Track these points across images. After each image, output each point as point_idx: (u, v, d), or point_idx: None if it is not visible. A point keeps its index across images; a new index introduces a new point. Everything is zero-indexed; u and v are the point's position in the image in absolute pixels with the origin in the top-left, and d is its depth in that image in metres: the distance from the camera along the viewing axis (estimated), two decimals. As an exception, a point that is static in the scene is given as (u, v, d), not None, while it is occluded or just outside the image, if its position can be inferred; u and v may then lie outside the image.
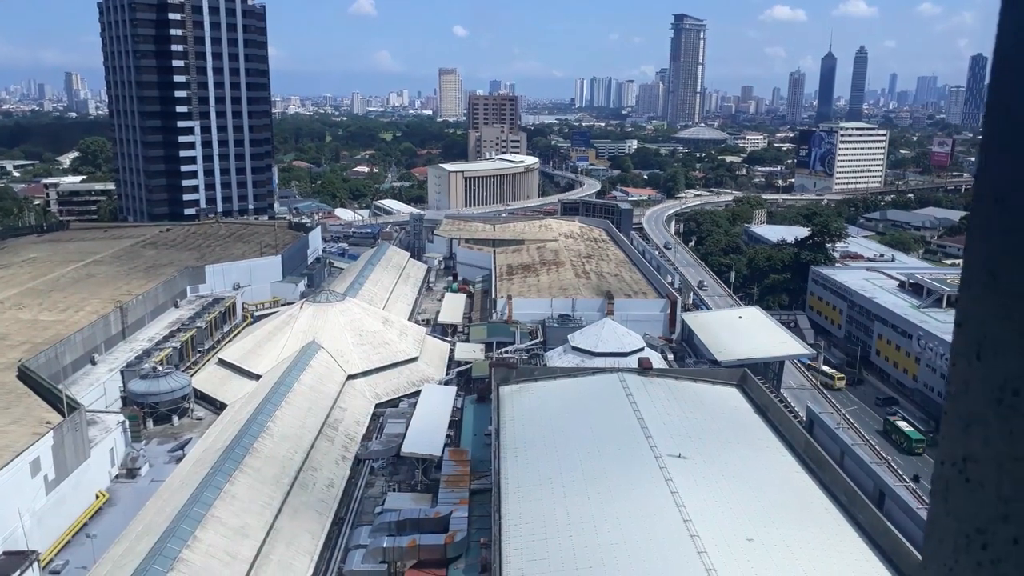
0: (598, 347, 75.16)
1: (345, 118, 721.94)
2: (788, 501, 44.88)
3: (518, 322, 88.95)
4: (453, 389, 70.35)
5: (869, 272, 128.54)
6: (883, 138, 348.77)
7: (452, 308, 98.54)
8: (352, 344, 75.53)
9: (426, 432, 58.57)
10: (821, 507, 44.31)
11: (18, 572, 40.53)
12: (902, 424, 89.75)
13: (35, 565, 42.35)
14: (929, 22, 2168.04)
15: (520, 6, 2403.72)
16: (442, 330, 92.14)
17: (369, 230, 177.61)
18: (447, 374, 77.67)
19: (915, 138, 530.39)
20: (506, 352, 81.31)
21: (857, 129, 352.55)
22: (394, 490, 54.27)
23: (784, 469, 48.98)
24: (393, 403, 70.00)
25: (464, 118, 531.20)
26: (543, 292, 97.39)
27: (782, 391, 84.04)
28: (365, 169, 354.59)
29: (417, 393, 68.59)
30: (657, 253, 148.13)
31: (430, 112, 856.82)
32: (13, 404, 55.02)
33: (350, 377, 71.24)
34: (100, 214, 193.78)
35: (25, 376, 58.59)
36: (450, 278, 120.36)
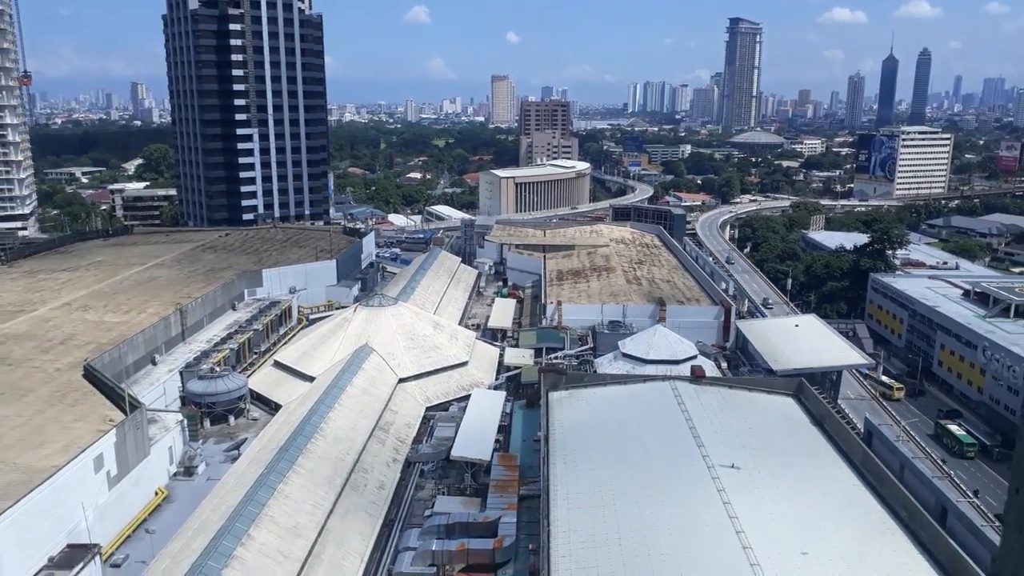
0: (649, 354, 74.35)
1: (399, 125, 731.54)
2: (845, 515, 43.65)
3: (568, 328, 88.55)
4: (502, 394, 70.35)
5: (932, 280, 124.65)
6: (947, 142, 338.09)
7: (502, 313, 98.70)
8: (403, 348, 76.20)
9: (475, 436, 58.68)
10: (880, 522, 42.97)
11: (81, 564, 41.83)
12: (954, 428, 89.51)
13: (97, 558, 43.66)
14: (997, 21, 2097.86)
15: (573, 12, 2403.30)
16: (492, 335, 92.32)
17: (421, 235, 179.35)
18: (496, 379, 77.72)
19: (981, 142, 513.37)
20: (556, 358, 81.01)
21: (919, 133, 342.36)
22: (443, 493, 54.49)
23: (841, 482, 47.66)
24: (443, 407, 70.35)
25: (516, 124, 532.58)
26: (593, 298, 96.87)
27: (839, 401, 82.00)
28: (418, 175, 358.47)
29: (467, 397, 68.77)
30: (711, 259, 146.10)
31: (482, 119, 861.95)
32: (79, 402, 56.90)
33: (401, 380, 71.86)
34: (162, 219, 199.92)
35: (90, 375, 60.58)
36: (500, 283, 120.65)
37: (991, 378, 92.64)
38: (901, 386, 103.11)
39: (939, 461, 72.98)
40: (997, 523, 43.48)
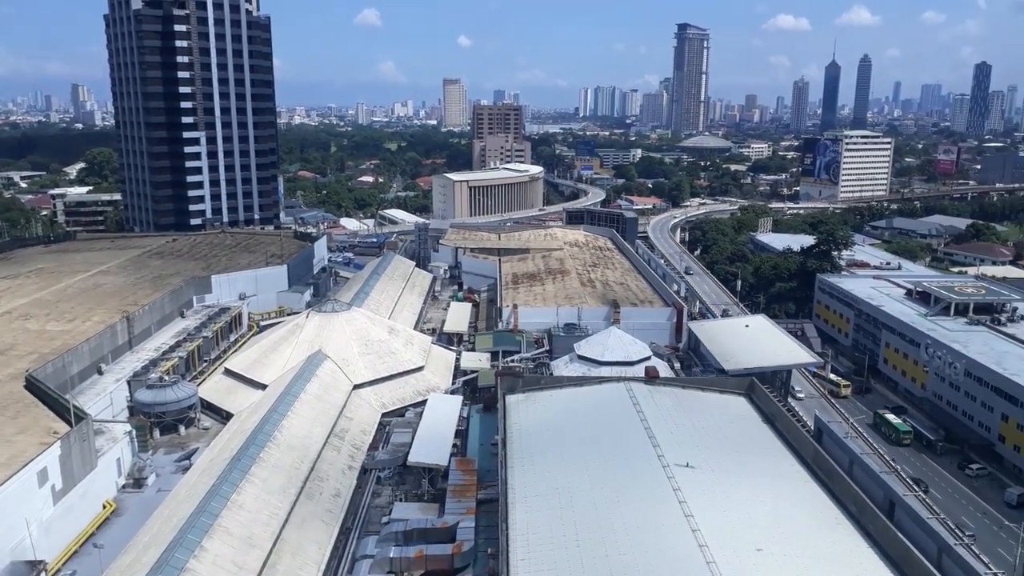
0: (604, 356, 74.97)
1: (350, 128, 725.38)
2: (797, 511, 44.61)
3: (524, 331, 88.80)
4: (459, 398, 70.23)
5: (876, 280, 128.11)
6: (888, 146, 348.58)
7: (458, 317, 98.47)
8: (358, 353, 75.47)
9: (432, 442, 58.47)
10: (831, 517, 44.00)
11: (25, 583, 40.54)
12: (891, 417, 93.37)
13: (42, 575, 42.31)
14: (933, 30, 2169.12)
15: (524, 16, 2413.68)
16: (448, 339, 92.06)
17: (374, 239, 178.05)
18: (453, 383, 77.54)
19: (920, 146, 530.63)
20: (512, 361, 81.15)
21: (862, 137, 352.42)
22: (401, 500, 54.15)
23: (793, 479, 48.69)
24: (399, 412, 69.88)
25: (468, 128, 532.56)
26: (549, 301, 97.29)
27: (789, 400, 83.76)
28: (370, 179, 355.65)
29: (423, 402, 68.47)
30: (663, 262, 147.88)
31: (434, 122, 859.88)
32: (21, 414, 55.07)
33: (356, 386, 71.17)
34: (107, 224, 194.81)
35: (32, 386, 58.70)
36: (456, 287, 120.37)
37: (934, 375, 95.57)
38: (848, 383, 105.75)
39: (886, 456, 74.94)
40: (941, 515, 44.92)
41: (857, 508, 43.77)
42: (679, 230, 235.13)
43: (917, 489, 60.25)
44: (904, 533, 40.76)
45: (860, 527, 42.55)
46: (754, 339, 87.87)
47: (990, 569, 40.91)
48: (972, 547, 43.38)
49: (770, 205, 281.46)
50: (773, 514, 43.24)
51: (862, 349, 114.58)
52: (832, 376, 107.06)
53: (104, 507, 52.66)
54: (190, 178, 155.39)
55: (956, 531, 49.87)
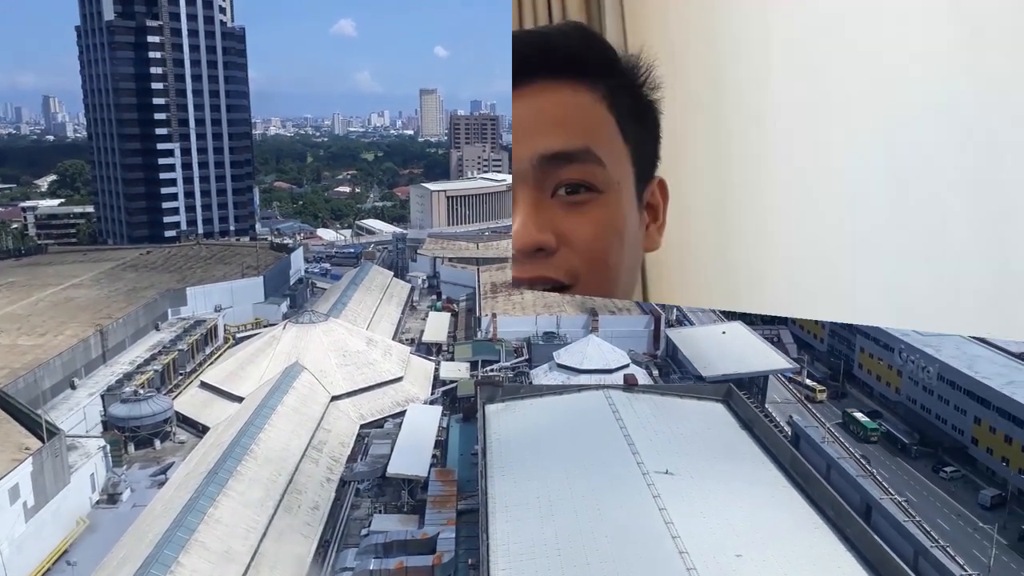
0: (583, 364, 75.19)
1: (326, 139, 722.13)
2: (776, 516, 44.91)
3: (503, 340, 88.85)
4: (438, 409, 70.03)
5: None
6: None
7: (436, 327, 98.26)
8: (336, 365, 75.03)
9: (412, 452, 58.22)
10: (809, 521, 44.36)
11: (-4, 603, 39.73)
12: (858, 415, 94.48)
13: (14, 595, 41.53)
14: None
15: (501, 26, 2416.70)
16: (427, 349, 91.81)
17: (352, 250, 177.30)
18: (432, 394, 77.29)
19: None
20: (491, 370, 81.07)
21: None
22: (380, 512, 53.82)
23: (771, 484, 49.03)
24: (378, 424, 69.52)
25: (446, 138, 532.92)
26: (527, 310, 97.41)
27: (766, 405, 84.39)
28: (347, 189, 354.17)
29: (402, 413, 68.21)
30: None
31: (411, 132, 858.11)
32: (-9, 431, 54.08)
33: (334, 398, 70.71)
34: (79, 237, 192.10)
35: (3, 401, 57.64)
36: (434, 297, 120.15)
37: (907, 379, 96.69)
38: (824, 388, 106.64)
39: (862, 460, 75.67)
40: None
41: (835, 512, 44.16)
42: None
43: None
44: (881, 536, 41.20)
45: (838, 531, 42.92)
46: (731, 346, 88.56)
47: (965, 570, 41.41)
48: (947, 549, 43.88)
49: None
50: (752, 519, 43.50)
51: (837, 354, 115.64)
52: (808, 381, 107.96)
53: (78, 524, 51.80)
54: (164, 189, 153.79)
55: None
